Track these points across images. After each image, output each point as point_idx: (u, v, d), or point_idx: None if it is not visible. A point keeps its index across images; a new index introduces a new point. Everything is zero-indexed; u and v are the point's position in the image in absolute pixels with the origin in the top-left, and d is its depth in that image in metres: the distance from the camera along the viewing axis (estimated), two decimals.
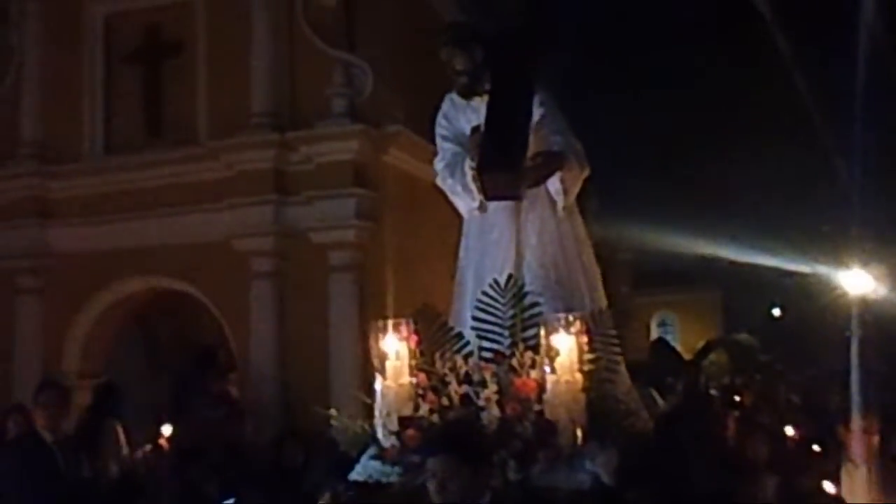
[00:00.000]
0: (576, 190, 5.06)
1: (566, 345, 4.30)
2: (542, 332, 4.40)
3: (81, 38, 12.24)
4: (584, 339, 4.36)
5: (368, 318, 10.68)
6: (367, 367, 10.19)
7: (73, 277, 11.81)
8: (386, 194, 11.31)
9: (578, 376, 4.30)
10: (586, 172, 5.10)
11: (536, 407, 4.35)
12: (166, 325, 12.97)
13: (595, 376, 4.45)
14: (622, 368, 4.81)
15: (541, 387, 4.37)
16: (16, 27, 12.52)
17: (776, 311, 23.59)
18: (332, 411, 4.94)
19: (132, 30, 12.18)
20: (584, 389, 4.32)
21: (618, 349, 4.68)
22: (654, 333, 32.06)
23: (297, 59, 11.57)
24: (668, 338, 29.98)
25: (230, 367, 11.56)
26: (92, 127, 12.19)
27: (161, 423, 9.70)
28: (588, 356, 4.39)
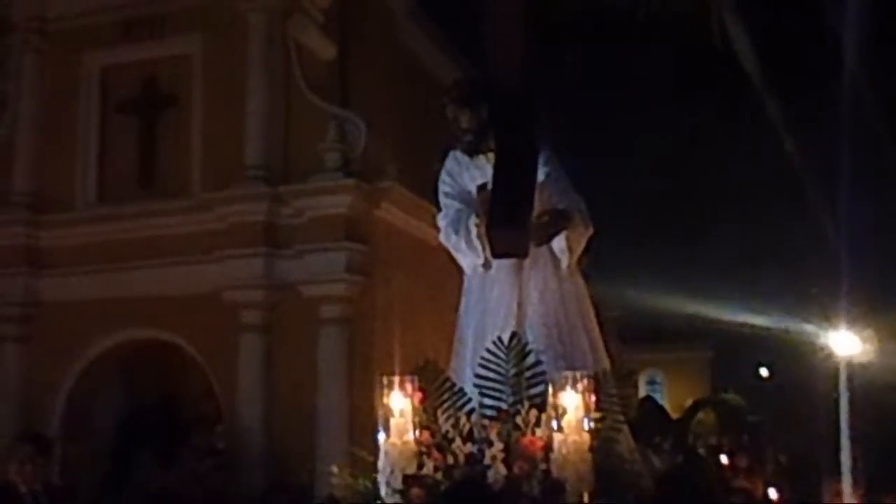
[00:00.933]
0: (580, 249, 5.07)
1: (573, 403, 4.28)
2: (550, 390, 4.37)
3: (78, 89, 12.33)
4: (592, 398, 4.34)
5: (357, 372, 10.74)
6: (355, 420, 10.29)
7: (62, 327, 11.75)
8: (377, 249, 11.34)
9: (585, 435, 4.27)
10: (590, 232, 5.11)
11: (543, 466, 4.31)
12: (152, 376, 12.89)
13: (601, 435, 4.42)
14: (626, 428, 4.80)
15: (547, 445, 4.33)
16: (12, 77, 12.59)
17: (764, 372, 23.62)
18: (334, 468, 4.89)
19: (129, 82, 12.27)
20: (591, 449, 4.29)
21: (621, 409, 4.66)
22: (642, 392, 32.03)
23: (291, 113, 11.66)
24: (656, 396, 29.97)
25: (216, 419, 11.51)
26: (85, 177, 12.23)
27: None
28: (594, 415, 4.36)
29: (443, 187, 5.31)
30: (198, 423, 11.65)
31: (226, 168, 11.44)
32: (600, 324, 5.32)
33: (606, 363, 5.02)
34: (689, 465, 4.66)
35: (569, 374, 4.38)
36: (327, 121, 11.35)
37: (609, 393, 4.57)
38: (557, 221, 4.93)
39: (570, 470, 4.20)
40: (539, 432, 4.38)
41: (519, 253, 4.84)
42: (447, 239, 5.18)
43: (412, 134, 12.53)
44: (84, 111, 12.32)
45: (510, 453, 4.39)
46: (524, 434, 4.41)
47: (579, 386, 4.29)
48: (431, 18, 14.54)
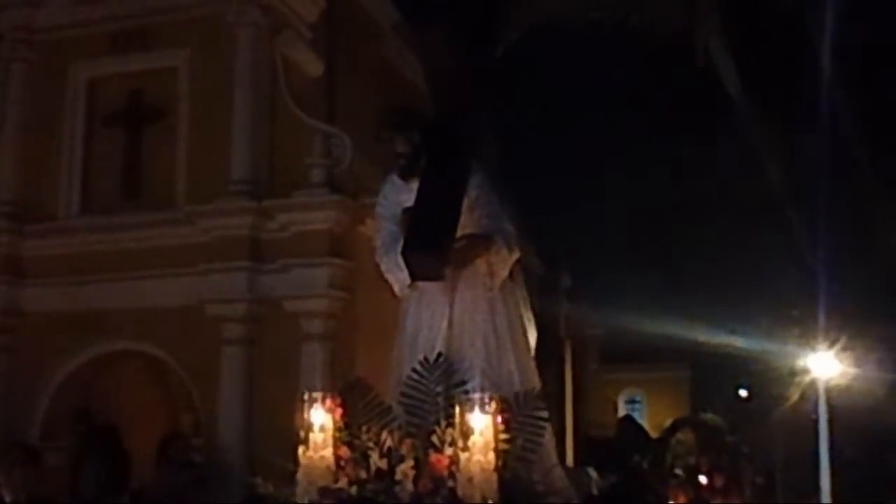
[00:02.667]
0: (504, 272, 5.17)
1: (481, 424, 4.35)
2: (458, 411, 4.45)
3: (64, 100, 12.33)
4: (500, 419, 4.40)
5: (338, 388, 10.75)
6: None
7: (43, 337, 11.72)
8: (360, 265, 11.34)
9: (492, 456, 4.33)
10: (516, 255, 5.21)
11: (451, 484, 4.38)
12: (133, 386, 12.86)
13: (511, 456, 4.48)
14: (545, 449, 4.89)
15: (455, 464, 4.41)
16: None
17: (743, 392, 23.74)
18: (258, 479, 4.99)
19: (115, 93, 12.28)
20: (497, 469, 4.34)
21: (542, 430, 4.73)
22: (622, 410, 32.14)
23: (277, 128, 11.70)
24: (636, 415, 30.12)
25: (196, 433, 11.50)
26: (69, 187, 12.22)
27: None
28: (504, 436, 4.43)
29: (378, 209, 5.47)
30: (176, 436, 11.63)
31: (211, 181, 11.45)
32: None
33: (535, 385, 5.09)
34: (623, 487, 4.74)
35: (476, 395, 4.45)
36: (313, 136, 11.39)
37: (527, 414, 4.63)
38: (476, 245, 5.02)
39: (475, 489, 4.27)
40: (451, 451, 4.46)
41: (435, 276, 4.95)
42: (380, 259, 5.32)
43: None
44: (69, 122, 12.31)
45: (421, 471, 4.46)
46: (440, 452, 4.49)
47: (488, 407, 4.36)
48: (418, 35, 14.63)
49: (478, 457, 4.31)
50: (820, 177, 10.77)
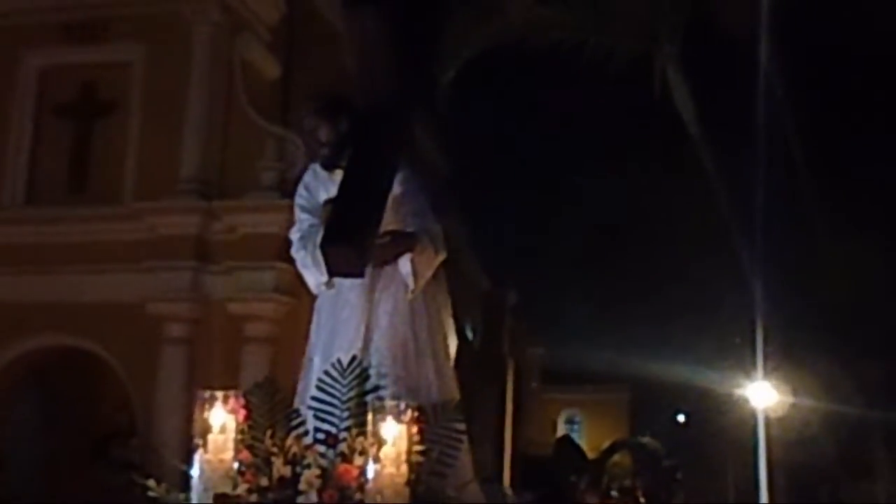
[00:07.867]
0: (428, 273, 4.83)
1: (394, 434, 4.07)
2: (370, 419, 4.14)
3: (14, 87, 12.16)
4: (415, 429, 4.13)
5: None
6: None
7: None
8: None
9: (404, 468, 4.08)
10: (442, 257, 4.86)
11: (358, 496, 4.12)
12: (67, 381, 12.65)
13: (424, 469, 4.24)
14: (462, 463, 4.71)
15: (363, 474, 4.12)
16: None
17: (681, 418, 23.93)
18: (151, 482, 4.73)
19: (67, 85, 12.13)
20: (409, 482, 4.10)
21: (459, 443, 4.57)
22: (561, 430, 32.28)
23: (230, 128, 11.64)
24: (575, 436, 30.26)
25: (130, 432, 11.35)
26: (14, 177, 12.03)
27: None
28: (418, 448, 4.16)
29: (298, 200, 5.11)
30: (113, 435, 11.48)
31: (160, 179, 11.35)
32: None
33: (454, 394, 4.85)
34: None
35: (391, 402, 4.21)
36: (266, 139, 11.34)
37: (444, 426, 4.43)
38: (399, 243, 4.72)
39: (383, 502, 4.05)
40: (360, 461, 4.19)
41: (354, 273, 4.68)
42: (296, 254, 4.98)
43: None
44: (18, 111, 12.14)
45: (328, 480, 4.24)
46: (348, 462, 4.23)
47: (403, 416, 4.11)
48: (346, 14, 14.62)
49: (389, 469, 4.02)
50: (765, 208, 10.92)
